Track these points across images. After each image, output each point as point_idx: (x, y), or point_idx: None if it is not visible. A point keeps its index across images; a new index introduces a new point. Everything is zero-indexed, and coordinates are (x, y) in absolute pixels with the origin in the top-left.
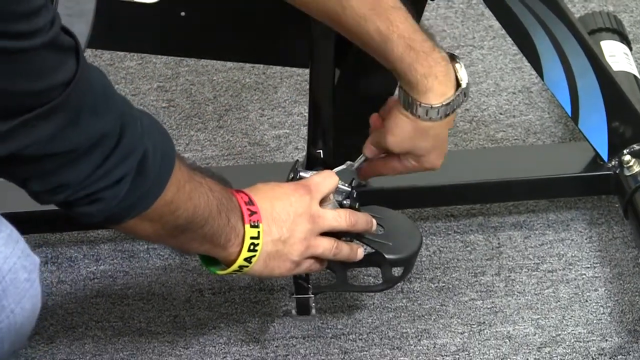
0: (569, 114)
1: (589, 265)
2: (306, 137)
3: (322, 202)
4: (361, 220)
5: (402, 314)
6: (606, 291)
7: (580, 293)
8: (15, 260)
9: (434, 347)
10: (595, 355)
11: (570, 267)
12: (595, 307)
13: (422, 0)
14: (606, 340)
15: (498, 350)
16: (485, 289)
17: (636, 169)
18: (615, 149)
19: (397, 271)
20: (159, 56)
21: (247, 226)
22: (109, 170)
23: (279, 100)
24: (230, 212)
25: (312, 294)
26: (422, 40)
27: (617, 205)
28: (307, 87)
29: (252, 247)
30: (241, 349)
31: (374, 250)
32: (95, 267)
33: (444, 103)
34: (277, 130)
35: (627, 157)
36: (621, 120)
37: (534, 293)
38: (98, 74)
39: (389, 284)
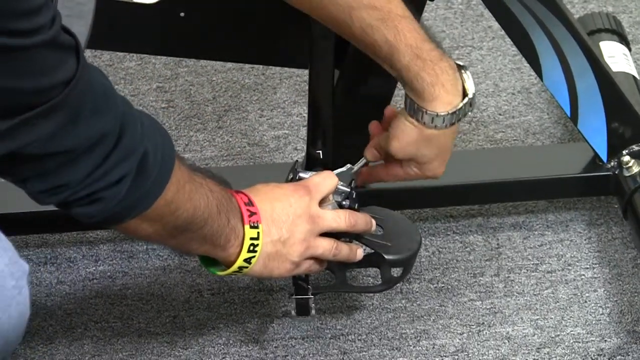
0: (568, 114)
1: (588, 266)
2: (305, 138)
3: (322, 202)
4: (361, 220)
5: (401, 314)
6: (605, 292)
7: (579, 294)
8: (3, 267)
9: (433, 347)
10: (594, 355)
11: (569, 267)
12: (594, 307)
13: (422, 1)
14: (605, 340)
15: (497, 351)
16: (484, 290)
17: (635, 169)
18: (614, 150)
19: (396, 272)
20: (158, 57)
21: (247, 227)
22: (109, 170)
23: (278, 100)
24: (230, 212)
25: (312, 295)
26: (429, 49)
27: (616, 206)
28: (307, 87)
29: (251, 247)
30: (240, 350)
31: (373, 251)
32: (94, 268)
33: (450, 111)
34: (277, 130)
35: (626, 158)
36: (620, 121)
37: (533, 294)
38: (98, 74)
39: (388, 284)
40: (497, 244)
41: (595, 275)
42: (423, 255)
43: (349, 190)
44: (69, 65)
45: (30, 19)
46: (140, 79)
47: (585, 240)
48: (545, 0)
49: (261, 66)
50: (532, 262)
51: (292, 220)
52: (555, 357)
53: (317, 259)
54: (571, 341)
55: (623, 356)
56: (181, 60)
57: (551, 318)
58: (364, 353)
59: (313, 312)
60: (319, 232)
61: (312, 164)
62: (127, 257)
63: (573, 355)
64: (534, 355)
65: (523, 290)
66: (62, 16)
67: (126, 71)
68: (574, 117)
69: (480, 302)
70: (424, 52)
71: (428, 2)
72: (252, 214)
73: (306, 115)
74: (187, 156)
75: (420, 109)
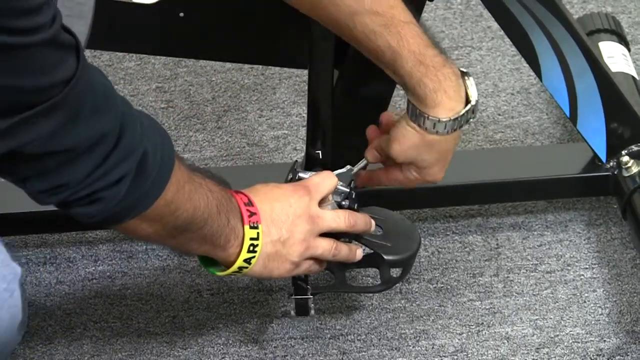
0: (568, 115)
1: (587, 266)
2: (305, 138)
3: (321, 202)
4: (360, 221)
5: (401, 314)
6: (604, 292)
7: (578, 294)
8: None
9: (433, 347)
10: (593, 356)
11: (569, 267)
12: (593, 307)
13: (421, 1)
14: (604, 341)
15: (496, 351)
16: (483, 290)
17: (634, 169)
18: (613, 150)
19: (395, 272)
20: (158, 57)
21: (247, 227)
22: (109, 170)
23: (277, 101)
24: (229, 213)
25: (311, 295)
26: (432, 55)
27: (615, 206)
28: (306, 88)
29: (251, 248)
30: (240, 350)
31: (372, 251)
32: (93, 268)
33: (451, 118)
34: (276, 131)
35: (625, 158)
36: (619, 121)
37: (533, 294)
38: (98, 74)
39: (387, 284)
40: (497, 244)
41: (595, 276)
42: (422, 255)
43: (348, 190)
44: (69, 64)
45: (31, 17)
46: (140, 79)
47: (584, 240)
48: (544, 0)
49: (260, 66)
50: (531, 263)
51: (292, 221)
52: (555, 357)
53: (316, 259)
54: (570, 341)
55: (622, 356)
56: (180, 60)
57: (550, 318)
58: (363, 353)
59: (312, 312)
60: (318, 233)
61: (312, 164)
62: (127, 257)
63: (572, 355)
64: (533, 356)
65: (522, 291)
66: (62, 16)
67: (125, 71)
68: (573, 117)
69: (480, 302)
70: (427, 58)
71: (427, 2)
72: (251, 214)
73: (305, 116)
74: (186, 156)
75: (422, 114)
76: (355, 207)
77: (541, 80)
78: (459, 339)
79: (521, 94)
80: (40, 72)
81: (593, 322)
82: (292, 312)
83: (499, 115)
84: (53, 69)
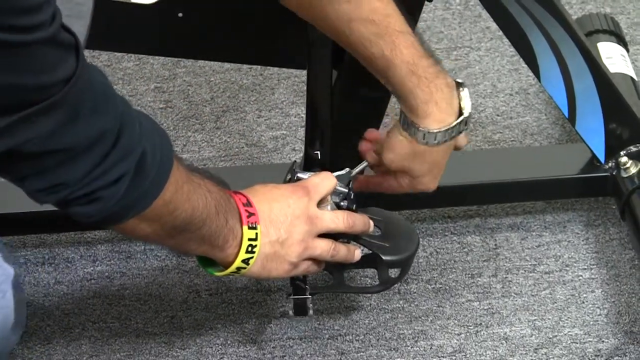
0: (566, 115)
1: (585, 267)
2: (303, 138)
3: (320, 203)
4: (359, 221)
5: (399, 315)
6: (603, 292)
7: (576, 294)
8: None
9: (431, 348)
10: (591, 356)
11: (567, 268)
12: (591, 308)
13: (420, 2)
14: (603, 341)
15: (495, 352)
16: (482, 290)
17: (633, 170)
18: (612, 151)
19: (394, 272)
20: (156, 57)
21: (245, 228)
22: (107, 170)
23: (276, 101)
24: (228, 213)
25: (309, 295)
26: (426, 65)
27: (613, 207)
28: (305, 88)
29: (249, 248)
30: (238, 350)
31: (371, 252)
32: (92, 268)
33: (442, 129)
34: (275, 131)
35: (624, 159)
36: (618, 122)
37: (531, 294)
38: (98, 74)
39: (386, 285)
40: (495, 245)
41: (593, 276)
42: (421, 255)
43: (347, 191)
44: (68, 63)
45: (31, 15)
46: (138, 80)
47: (582, 241)
48: (543, 1)
49: (259, 67)
50: (529, 263)
51: (291, 221)
52: (553, 357)
53: (315, 260)
54: (569, 342)
55: (620, 357)
56: (179, 60)
57: (549, 319)
58: (361, 353)
59: (311, 312)
60: (317, 233)
61: (310, 164)
62: (125, 257)
63: (570, 356)
64: (531, 356)
65: (521, 291)
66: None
67: (124, 71)
68: (572, 118)
69: (478, 302)
70: (420, 68)
71: (426, 2)
72: (250, 214)
73: (304, 116)
74: (185, 157)
75: (413, 124)
76: (354, 207)
77: (540, 80)
78: (457, 340)
79: (520, 94)
80: (40, 71)
81: (591, 322)
82: (291, 313)
83: (498, 115)
84: (53, 68)
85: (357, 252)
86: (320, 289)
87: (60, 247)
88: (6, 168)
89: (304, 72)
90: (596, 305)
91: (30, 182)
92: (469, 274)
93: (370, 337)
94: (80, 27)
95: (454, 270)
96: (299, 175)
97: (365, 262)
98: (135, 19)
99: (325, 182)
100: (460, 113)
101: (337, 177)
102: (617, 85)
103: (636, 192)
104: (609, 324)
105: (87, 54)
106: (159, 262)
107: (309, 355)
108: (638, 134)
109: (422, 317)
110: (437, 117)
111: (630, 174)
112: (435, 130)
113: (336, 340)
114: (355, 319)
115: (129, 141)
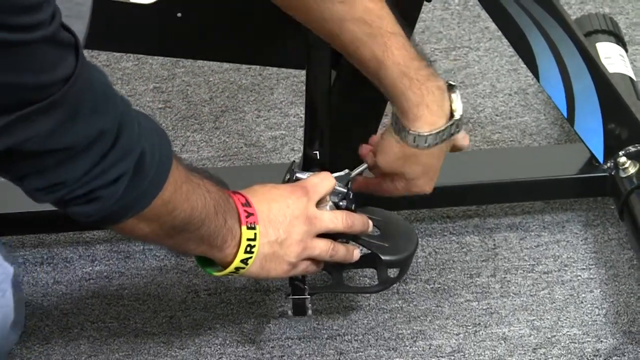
0: (565, 115)
1: (584, 267)
2: (302, 139)
3: (319, 203)
4: (357, 221)
5: (398, 315)
6: (601, 292)
7: (575, 294)
8: None
9: (430, 348)
10: (590, 356)
11: (566, 268)
12: (590, 308)
13: (419, 2)
14: (601, 341)
15: (493, 352)
16: (480, 290)
17: (631, 170)
18: (610, 151)
19: (392, 272)
20: (155, 57)
21: (244, 228)
22: (107, 169)
23: (275, 101)
24: (227, 213)
25: (308, 295)
26: (417, 68)
27: (612, 207)
28: (304, 88)
29: (248, 248)
30: (237, 350)
31: (370, 252)
32: (91, 268)
33: (432, 132)
34: (274, 131)
35: (622, 159)
36: (617, 122)
37: (530, 294)
38: (98, 73)
39: (384, 285)
40: (494, 245)
41: (592, 276)
42: (420, 255)
43: (345, 191)
44: (68, 62)
45: (31, 14)
46: (137, 80)
47: (581, 241)
48: (542, 1)
49: (258, 67)
50: (528, 263)
51: (290, 221)
52: (552, 357)
53: (314, 260)
54: (567, 342)
55: (619, 357)
56: (178, 60)
57: (547, 319)
58: (360, 353)
59: (310, 312)
60: (316, 233)
61: (309, 164)
62: (124, 257)
63: (569, 355)
64: (530, 356)
65: (519, 291)
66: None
67: (123, 71)
68: (571, 118)
69: (477, 302)
70: (411, 70)
71: (425, 3)
72: (249, 214)
73: (303, 116)
74: (184, 156)
75: (404, 127)
76: (353, 207)
77: (539, 81)
78: (456, 340)
79: (519, 94)
80: (40, 70)
81: (590, 322)
82: (290, 313)
83: (497, 115)
84: (53, 67)
85: (356, 252)
86: (319, 289)
87: (58, 247)
88: (5, 167)
89: (303, 72)
90: (595, 305)
91: (30, 181)
92: (467, 274)
93: (369, 337)
94: (79, 27)
95: (452, 270)
96: (298, 175)
97: (364, 262)
98: (134, 18)
99: (324, 182)
100: (452, 116)
101: (336, 178)
102: (616, 86)
103: (635, 192)
104: (608, 323)
105: (86, 54)
106: (158, 262)
107: (307, 355)
108: (637, 134)
109: (421, 317)
110: (428, 120)
111: (629, 174)
112: (425, 134)
113: (335, 340)
114: (354, 319)
115: (128, 141)
